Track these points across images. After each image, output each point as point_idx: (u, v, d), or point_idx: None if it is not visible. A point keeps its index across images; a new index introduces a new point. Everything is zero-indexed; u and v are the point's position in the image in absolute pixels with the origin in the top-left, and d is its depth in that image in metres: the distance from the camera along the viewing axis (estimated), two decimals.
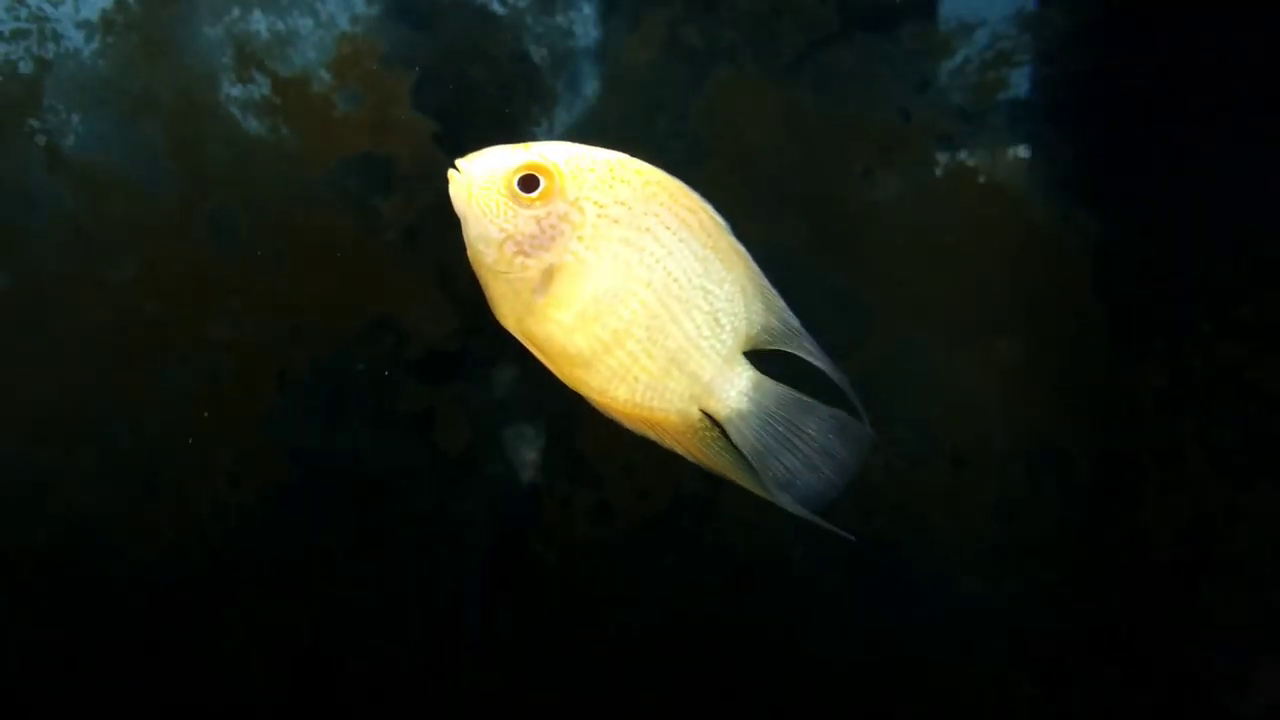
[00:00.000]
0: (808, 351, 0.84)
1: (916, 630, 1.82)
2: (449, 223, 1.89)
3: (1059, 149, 1.84)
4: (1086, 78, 1.80)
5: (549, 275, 0.76)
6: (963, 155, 1.84)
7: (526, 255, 0.76)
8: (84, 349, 1.71)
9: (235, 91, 1.75)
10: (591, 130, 1.93)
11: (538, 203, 0.75)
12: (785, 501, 0.84)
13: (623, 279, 0.77)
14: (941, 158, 1.84)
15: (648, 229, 0.77)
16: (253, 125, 1.76)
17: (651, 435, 0.83)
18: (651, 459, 1.86)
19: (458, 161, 0.77)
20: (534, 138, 1.91)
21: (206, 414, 1.74)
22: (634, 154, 2.08)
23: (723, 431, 0.83)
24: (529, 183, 0.75)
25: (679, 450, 0.83)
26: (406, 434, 1.83)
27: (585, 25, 1.89)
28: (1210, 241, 1.75)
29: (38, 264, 1.67)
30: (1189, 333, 1.76)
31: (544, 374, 1.87)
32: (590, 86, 1.90)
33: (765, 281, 0.82)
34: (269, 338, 1.79)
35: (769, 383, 0.83)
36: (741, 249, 0.81)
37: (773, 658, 1.84)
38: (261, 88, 1.73)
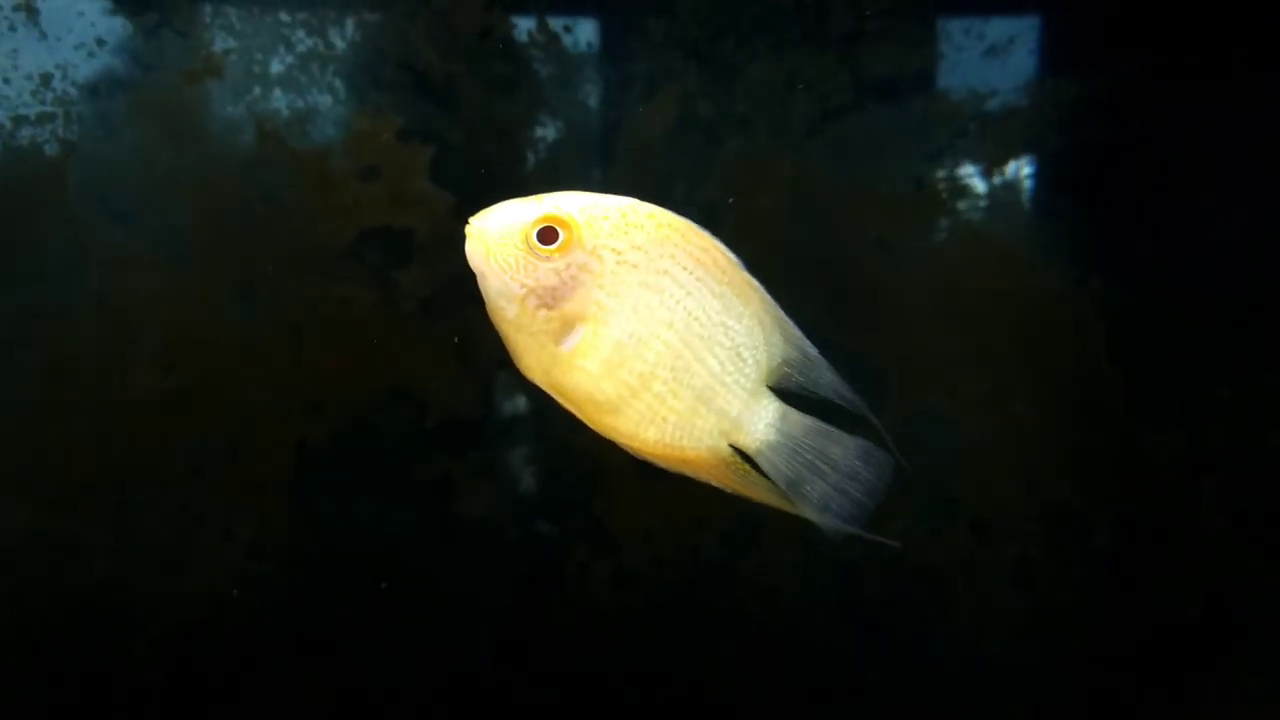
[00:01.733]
0: (829, 381, 0.88)
1: (938, 698, 1.81)
2: (466, 294, 1.90)
3: (1072, 216, 1.84)
4: (1098, 146, 1.81)
5: (572, 325, 0.76)
6: (976, 223, 1.85)
7: (549, 308, 0.76)
8: (106, 425, 1.73)
9: (256, 168, 1.78)
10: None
11: (557, 255, 0.75)
12: (826, 522, 0.86)
13: (645, 322, 0.77)
14: (954, 226, 1.85)
15: (665, 271, 0.77)
16: (273, 200, 1.78)
17: (686, 472, 0.83)
18: (670, 525, 1.87)
19: (472, 219, 0.77)
20: None
21: (226, 486, 1.76)
22: None
23: (754, 463, 0.84)
24: (547, 235, 0.75)
25: (715, 484, 0.84)
26: (425, 503, 1.83)
27: (601, 98, 1.91)
28: (1226, 306, 1.76)
29: (64, 343, 1.69)
30: (1207, 397, 1.77)
31: (561, 441, 1.88)
32: (606, 158, 1.92)
33: (781, 313, 0.84)
34: (287, 409, 1.80)
35: (794, 413, 0.85)
36: (756, 283, 0.83)
37: None
38: (282, 165, 1.76)
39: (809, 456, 0.86)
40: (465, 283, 1.86)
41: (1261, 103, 1.72)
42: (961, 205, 1.84)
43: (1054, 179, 1.85)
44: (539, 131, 1.90)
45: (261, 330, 1.79)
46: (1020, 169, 1.85)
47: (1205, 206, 1.75)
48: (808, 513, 0.86)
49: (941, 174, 1.84)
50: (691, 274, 0.77)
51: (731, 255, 0.80)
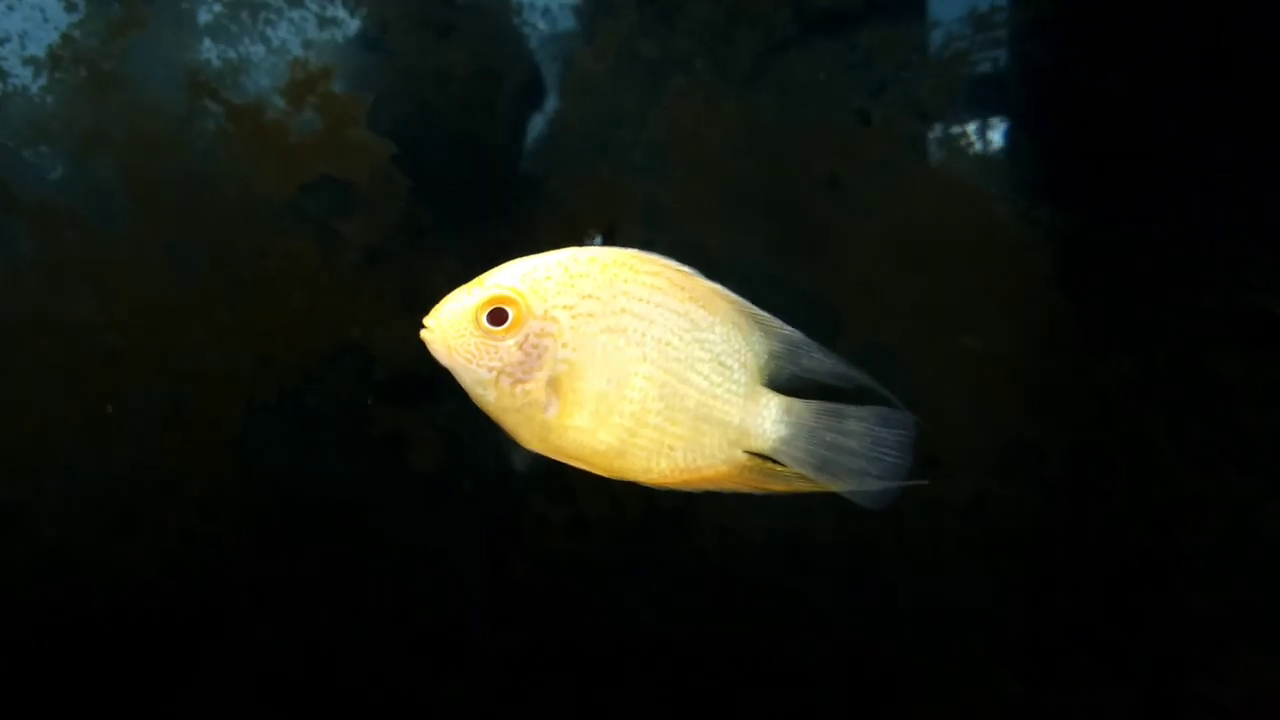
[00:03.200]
0: (820, 361, 0.87)
1: (897, 631, 1.83)
2: (412, 243, 1.88)
3: (1019, 146, 1.84)
4: (1044, 73, 1.81)
5: (551, 389, 0.77)
6: (923, 156, 1.85)
7: (523, 381, 0.77)
8: (47, 386, 1.69)
9: (189, 121, 1.73)
10: (554, 143, 1.92)
11: (512, 332, 0.75)
12: (868, 493, 0.91)
13: (619, 365, 0.77)
14: (902, 160, 1.84)
15: (623, 309, 0.77)
16: (208, 154, 1.74)
17: (716, 489, 0.84)
18: None
19: (425, 320, 0.79)
20: (494, 156, 1.90)
21: (174, 446, 1.73)
22: (598, 164, 2.06)
23: (776, 460, 0.85)
24: (497, 316, 0.75)
25: (749, 491, 0.85)
26: (378, 457, 1.81)
27: (542, 40, 1.88)
28: (1173, 233, 1.77)
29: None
30: (1155, 324, 1.78)
31: None
32: (550, 102, 1.89)
33: (754, 308, 0.83)
34: (234, 366, 1.77)
35: (798, 403, 0.85)
36: (719, 287, 0.82)
37: (755, 663, 1.84)
38: (216, 117, 1.71)
39: (828, 437, 0.88)
40: (410, 232, 1.84)
41: (1208, 26, 1.72)
42: (908, 139, 1.84)
43: (999, 108, 1.85)
44: (478, 76, 1.86)
45: (204, 286, 1.75)
46: (966, 100, 1.84)
47: (1152, 132, 1.76)
48: (849, 489, 0.90)
49: (887, 108, 1.83)
50: (649, 303, 0.77)
51: (685, 268, 0.80)
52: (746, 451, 0.83)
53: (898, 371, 1.85)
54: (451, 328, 0.79)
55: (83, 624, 1.73)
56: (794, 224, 1.87)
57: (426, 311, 1.78)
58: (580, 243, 1.85)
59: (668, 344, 0.78)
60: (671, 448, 0.80)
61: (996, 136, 1.87)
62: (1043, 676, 1.79)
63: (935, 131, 1.85)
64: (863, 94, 1.83)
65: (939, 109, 1.84)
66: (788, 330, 0.85)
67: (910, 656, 1.82)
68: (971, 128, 1.86)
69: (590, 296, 0.76)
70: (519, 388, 0.77)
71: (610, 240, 1.78)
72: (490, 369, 0.78)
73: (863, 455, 0.91)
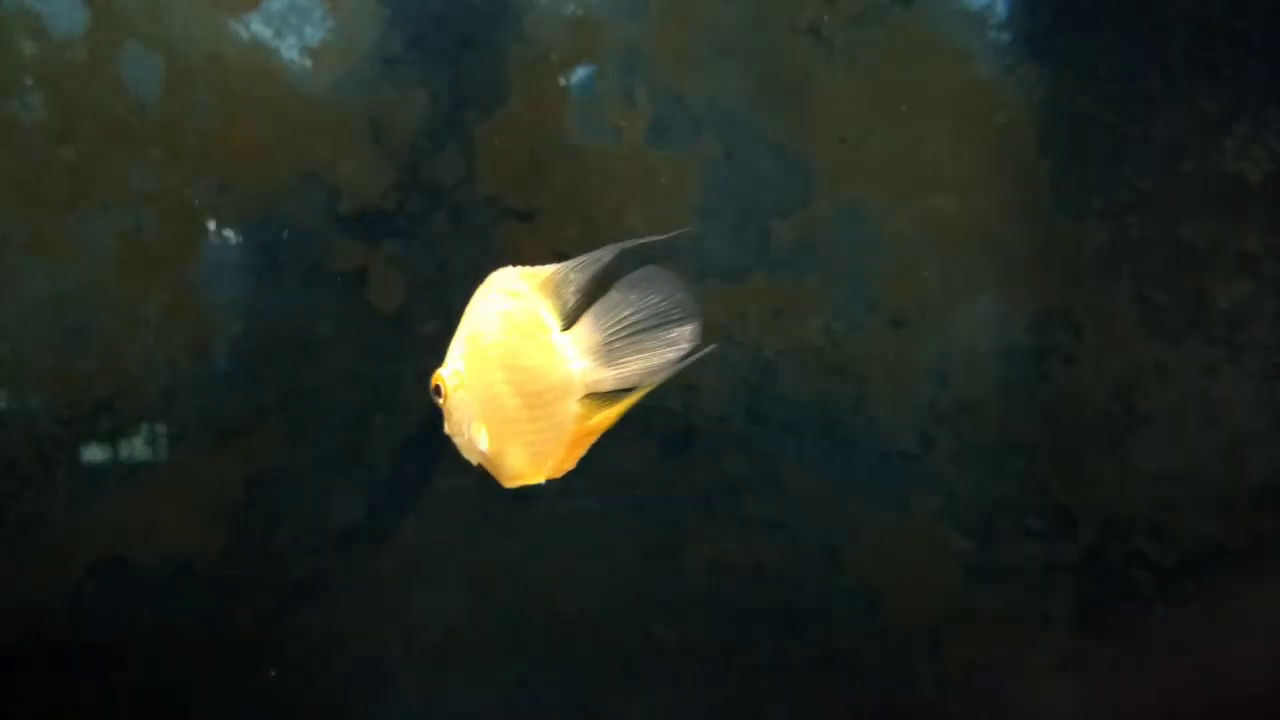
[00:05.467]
0: (584, 266, 0.93)
1: (853, 489, 1.84)
2: (382, 73, 1.83)
3: (1007, 3, 1.80)
4: None
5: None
6: (907, 12, 1.80)
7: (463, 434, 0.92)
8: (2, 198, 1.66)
9: None
10: None
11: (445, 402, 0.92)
12: (678, 361, 0.91)
13: (498, 408, 0.91)
14: (885, 15, 1.79)
15: (493, 372, 0.91)
16: None
17: (591, 439, 0.94)
18: None
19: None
20: None
21: (132, 265, 1.70)
22: (575, 2, 1.99)
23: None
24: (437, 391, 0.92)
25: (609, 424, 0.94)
26: (339, 292, 1.79)
27: None
28: (1154, 96, 1.75)
29: None
30: (1128, 190, 1.77)
31: (477, 235, 1.84)
32: None
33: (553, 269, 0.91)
34: (195, 190, 1.73)
35: (576, 329, 0.91)
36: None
37: (712, 517, 1.86)
38: None
39: (620, 335, 0.91)
40: (379, 62, 1.79)
41: None
42: None
43: None
44: None
45: (161, 104, 1.71)
46: None
47: None
48: (673, 363, 0.92)
49: None
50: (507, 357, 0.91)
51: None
52: (586, 399, 0.91)
53: (867, 229, 1.84)
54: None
55: (33, 440, 1.73)
56: (773, 74, 1.83)
57: (393, 145, 1.75)
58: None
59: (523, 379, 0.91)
60: (556, 441, 0.92)
61: None
62: (990, 533, 1.82)
63: None
64: None
65: None
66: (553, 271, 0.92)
67: (862, 514, 1.84)
68: None
69: (471, 372, 0.91)
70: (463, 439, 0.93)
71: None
72: (454, 431, 0.93)
73: (656, 336, 0.92)
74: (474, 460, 0.93)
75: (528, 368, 0.90)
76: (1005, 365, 1.81)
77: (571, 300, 0.91)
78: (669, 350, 0.90)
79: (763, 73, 1.82)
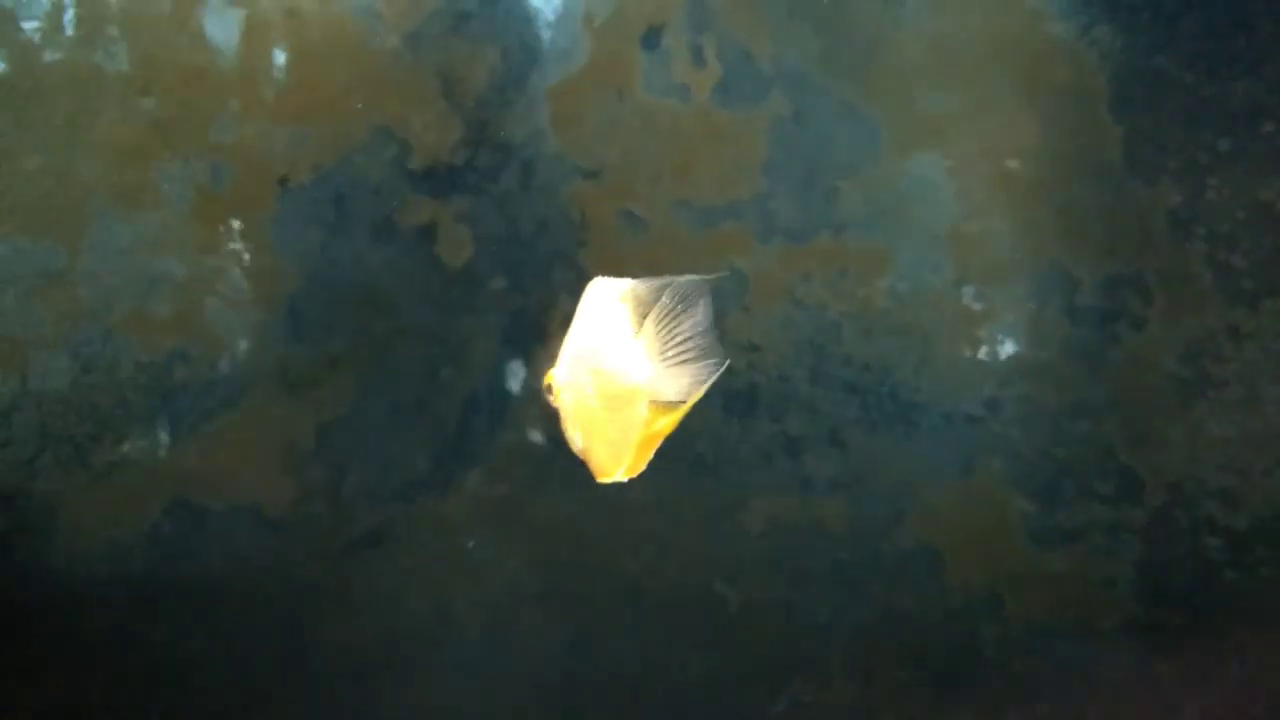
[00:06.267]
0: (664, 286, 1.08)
1: (915, 450, 1.84)
2: (454, 28, 1.85)
3: None
4: None
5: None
6: None
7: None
8: (83, 143, 1.69)
9: None
10: None
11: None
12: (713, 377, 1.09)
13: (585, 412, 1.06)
14: None
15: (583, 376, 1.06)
16: None
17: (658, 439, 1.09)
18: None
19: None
20: None
21: (209, 215, 1.74)
22: None
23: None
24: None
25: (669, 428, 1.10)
26: (409, 246, 1.82)
27: None
28: (1235, 55, 1.72)
29: (31, 51, 1.63)
30: (1206, 152, 1.74)
31: (544, 192, 1.86)
32: None
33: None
34: (270, 142, 1.76)
35: (640, 338, 1.07)
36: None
37: (774, 476, 1.87)
38: None
39: (674, 345, 1.07)
40: (451, 18, 1.81)
41: None
42: None
43: None
44: None
45: (240, 58, 1.73)
46: None
47: None
48: (712, 378, 1.09)
49: None
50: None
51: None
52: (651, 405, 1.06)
53: (934, 190, 1.83)
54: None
55: (114, 384, 1.77)
56: (843, 33, 1.82)
57: (466, 100, 1.77)
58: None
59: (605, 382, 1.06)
60: (630, 443, 1.07)
61: None
62: (1055, 497, 1.81)
63: None
64: None
65: None
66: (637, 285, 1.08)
67: (925, 476, 1.84)
68: None
69: (570, 375, 1.07)
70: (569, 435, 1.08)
71: None
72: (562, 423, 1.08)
73: (697, 346, 1.08)
74: (579, 456, 1.08)
75: (608, 372, 1.04)
76: (1072, 328, 1.80)
77: (643, 310, 1.05)
78: (710, 364, 1.07)
79: (832, 32, 1.82)
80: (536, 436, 1.85)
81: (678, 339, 1.04)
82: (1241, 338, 1.74)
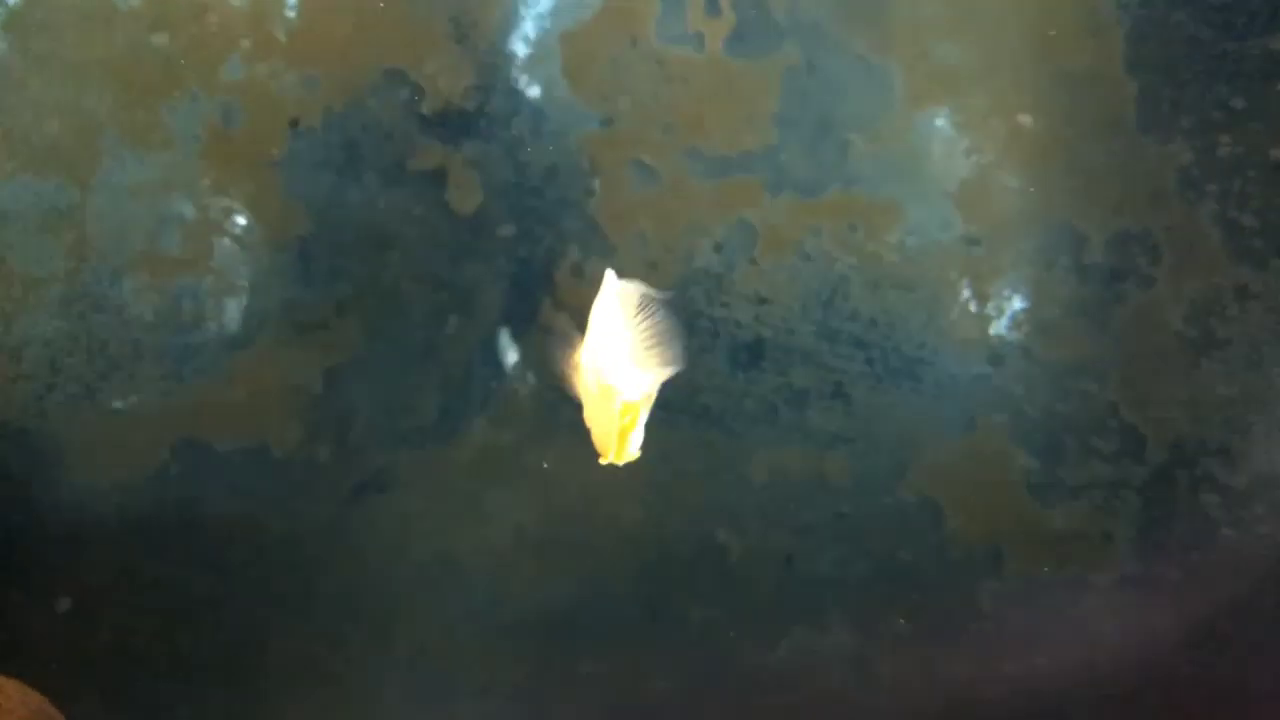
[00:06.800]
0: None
1: (919, 404, 1.86)
2: None
3: None
4: None
5: None
6: None
7: None
8: (94, 80, 1.69)
9: None
10: None
11: None
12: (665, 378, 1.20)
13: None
14: None
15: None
16: None
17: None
18: (664, 230, 1.86)
19: None
20: None
21: (219, 155, 1.74)
22: None
23: None
24: None
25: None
26: (418, 191, 1.81)
27: None
28: (1254, 11, 1.71)
29: None
30: (1220, 109, 1.74)
31: (555, 140, 1.85)
32: None
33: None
34: (281, 84, 1.76)
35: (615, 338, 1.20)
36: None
37: (777, 429, 1.88)
38: None
39: (642, 347, 1.17)
40: None
41: None
42: None
43: None
44: None
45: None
46: None
47: None
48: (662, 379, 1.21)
49: None
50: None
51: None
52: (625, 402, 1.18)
53: (946, 144, 1.83)
54: None
55: (122, 322, 1.78)
56: None
57: (478, 44, 1.76)
58: None
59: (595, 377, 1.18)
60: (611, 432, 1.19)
61: None
62: (1057, 453, 1.82)
63: None
64: None
65: None
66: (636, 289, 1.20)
67: (928, 430, 1.86)
68: None
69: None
70: None
71: None
72: None
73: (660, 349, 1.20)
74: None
75: (596, 368, 1.16)
76: (1079, 285, 1.80)
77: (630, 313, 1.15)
78: (666, 368, 1.16)
79: None
80: (542, 386, 1.86)
81: (644, 340, 1.14)
82: (1248, 297, 1.75)
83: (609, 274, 1.18)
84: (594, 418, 1.18)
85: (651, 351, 1.13)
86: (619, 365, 1.13)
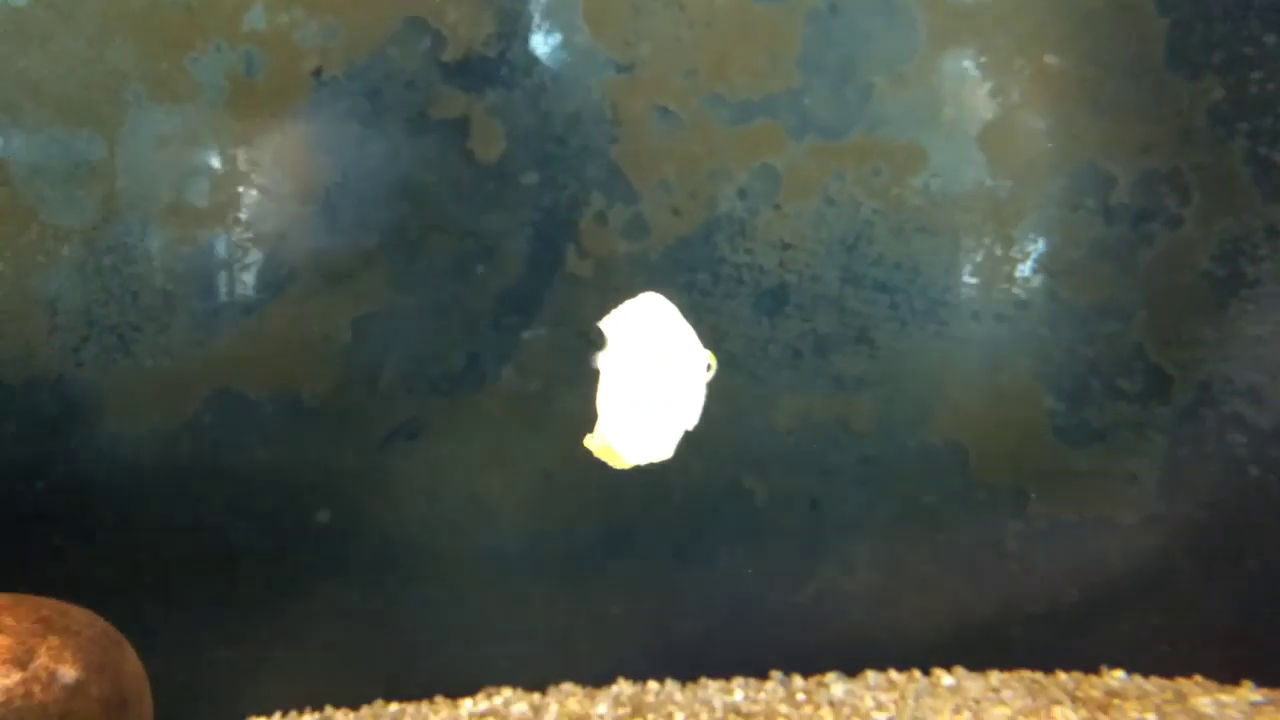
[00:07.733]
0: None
1: (941, 348, 1.86)
2: None
3: None
4: None
5: None
6: None
7: None
8: (117, 33, 1.69)
9: None
10: None
11: None
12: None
13: None
14: None
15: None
16: None
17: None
18: (688, 176, 1.86)
19: None
20: None
21: (241, 104, 1.74)
22: None
23: None
24: None
25: None
26: (441, 140, 1.81)
27: None
28: None
29: None
30: (1251, 45, 1.71)
31: (577, 86, 1.84)
32: None
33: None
34: (303, 33, 1.75)
35: None
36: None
37: (802, 373, 1.89)
38: None
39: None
40: None
41: None
42: None
43: None
44: None
45: None
46: None
47: None
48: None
49: None
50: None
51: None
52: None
53: (970, 86, 1.81)
54: None
55: (144, 262, 1.79)
56: None
57: None
58: None
59: None
60: None
61: None
62: (1082, 395, 1.83)
63: None
64: None
65: None
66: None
67: (953, 373, 1.86)
68: None
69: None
70: None
71: None
72: None
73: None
74: None
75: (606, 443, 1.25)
76: (1106, 226, 1.80)
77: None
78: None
79: None
80: (567, 333, 1.87)
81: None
82: (1278, 236, 1.74)
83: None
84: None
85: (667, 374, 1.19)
86: (627, 435, 1.20)
